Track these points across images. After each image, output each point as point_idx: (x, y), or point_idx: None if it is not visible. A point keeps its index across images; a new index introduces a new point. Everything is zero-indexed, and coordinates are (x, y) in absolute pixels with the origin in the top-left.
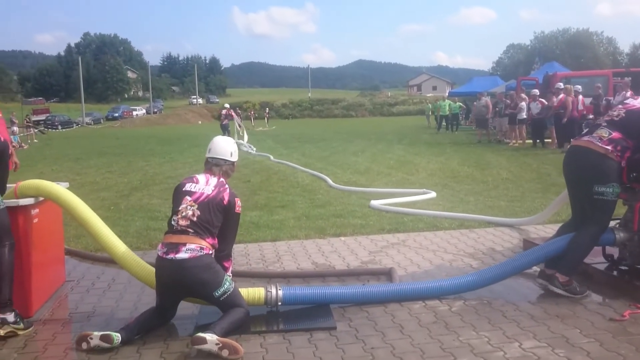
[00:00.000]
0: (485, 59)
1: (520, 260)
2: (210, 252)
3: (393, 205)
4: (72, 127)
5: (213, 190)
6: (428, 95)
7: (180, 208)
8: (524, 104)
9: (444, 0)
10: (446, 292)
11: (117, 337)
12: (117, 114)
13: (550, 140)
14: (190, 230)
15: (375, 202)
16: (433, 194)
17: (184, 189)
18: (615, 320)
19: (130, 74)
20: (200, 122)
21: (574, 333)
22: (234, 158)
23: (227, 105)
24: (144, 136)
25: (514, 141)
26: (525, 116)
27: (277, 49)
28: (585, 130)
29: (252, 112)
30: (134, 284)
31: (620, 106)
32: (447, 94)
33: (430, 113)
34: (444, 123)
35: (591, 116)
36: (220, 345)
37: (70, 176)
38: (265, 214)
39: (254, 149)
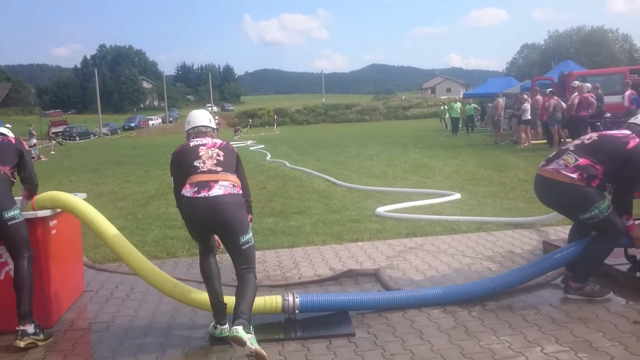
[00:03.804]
0: (499, 60)
1: (530, 269)
2: (240, 192)
3: (404, 211)
4: (90, 138)
5: (222, 141)
6: (442, 97)
7: (200, 155)
8: (527, 105)
9: (454, 2)
10: (464, 297)
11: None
12: (133, 124)
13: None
14: (218, 168)
15: (380, 210)
16: (458, 196)
17: (192, 146)
18: (639, 322)
19: (145, 84)
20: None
21: (597, 336)
22: (214, 124)
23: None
24: (161, 145)
25: (524, 143)
26: (529, 117)
27: (290, 56)
28: (552, 154)
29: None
30: (152, 292)
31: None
32: (461, 96)
33: (447, 115)
34: (460, 125)
35: (608, 114)
36: (254, 355)
37: (88, 187)
38: (282, 220)
39: None
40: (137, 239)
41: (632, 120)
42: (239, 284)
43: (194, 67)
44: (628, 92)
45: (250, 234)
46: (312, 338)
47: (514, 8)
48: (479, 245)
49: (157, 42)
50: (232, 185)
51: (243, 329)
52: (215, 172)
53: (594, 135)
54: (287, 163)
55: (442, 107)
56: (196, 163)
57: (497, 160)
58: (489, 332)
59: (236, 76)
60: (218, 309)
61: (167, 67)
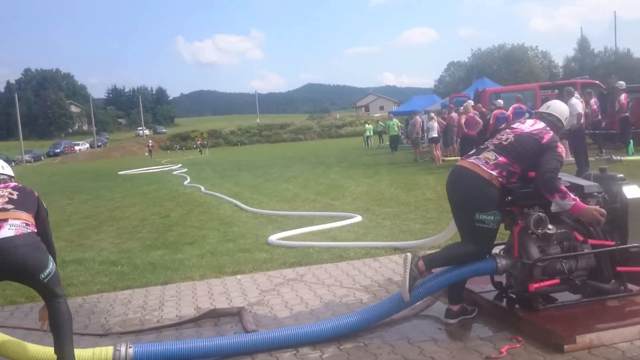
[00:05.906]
0: (430, 77)
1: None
2: (35, 230)
3: (298, 238)
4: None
5: (19, 184)
6: (376, 115)
7: None
8: (433, 123)
9: (385, 23)
10: (313, 338)
11: None
12: (58, 150)
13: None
14: (9, 206)
15: (272, 238)
16: (359, 218)
17: None
18: (491, 358)
19: (74, 109)
20: (147, 154)
21: None
22: (10, 171)
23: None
24: (81, 171)
25: (438, 160)
26: (435, 135)
27: (226, 77)
28: (473, 151)
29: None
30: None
31: (508, 130)
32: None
33: (369, 134)
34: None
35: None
36: None
37: None
38: (170, 252)
39: None
40: (4, 282)
41: (542, 109)
42: (52, 322)
43: (126, 90)
44: (514, 105)
45: (51, 265)
46: None
47: (442, 27)
48: (360, 274)
49: (86, 65)
50: (24, 225)
51: None
52: (5, 210)
53: (511, 136)
54: (202, 188)
55: (366, 126)
56: None
57: (410, 179)
58: None
59: (170, 98)
60: None
61: (98, 90)
